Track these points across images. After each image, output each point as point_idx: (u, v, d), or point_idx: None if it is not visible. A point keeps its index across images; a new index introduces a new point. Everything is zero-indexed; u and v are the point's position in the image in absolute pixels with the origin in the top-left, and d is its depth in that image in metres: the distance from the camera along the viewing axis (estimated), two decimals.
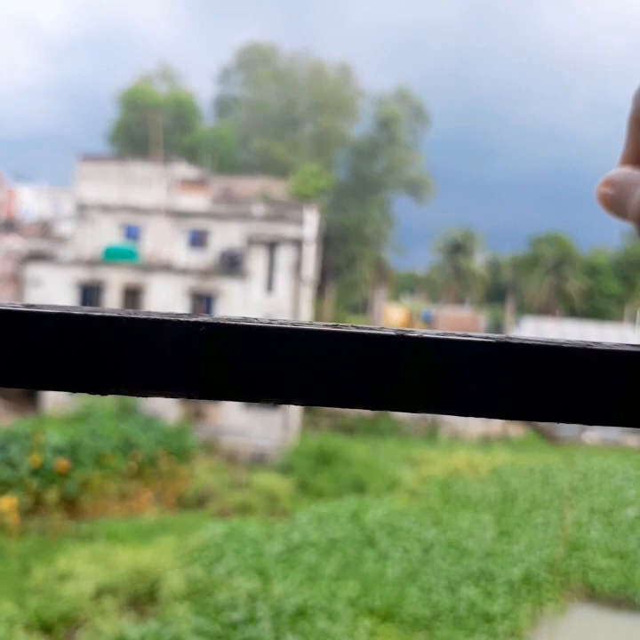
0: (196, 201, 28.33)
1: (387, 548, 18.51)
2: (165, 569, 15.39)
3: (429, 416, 32.04)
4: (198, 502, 20.66)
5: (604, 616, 17.64)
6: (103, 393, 0.47)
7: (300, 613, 14.32)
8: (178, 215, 27.75)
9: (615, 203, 0.51)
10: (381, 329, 0.48)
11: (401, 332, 0.47)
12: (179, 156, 34.70)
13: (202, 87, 57.96)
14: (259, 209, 28.14)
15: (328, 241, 39.32)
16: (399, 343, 0.47)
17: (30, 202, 36.18)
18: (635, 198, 0.48)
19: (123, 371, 0.46)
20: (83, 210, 27.54)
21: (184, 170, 30.71)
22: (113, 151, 52.19)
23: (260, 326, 0.47)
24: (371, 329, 0.47)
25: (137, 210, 27.56)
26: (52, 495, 18.29)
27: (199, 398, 0.48)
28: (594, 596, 18.31)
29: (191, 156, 43.86)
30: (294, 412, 26.23)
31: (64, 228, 31.34)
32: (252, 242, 26.66)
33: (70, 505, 18.86)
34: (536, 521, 21.64)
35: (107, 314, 0.46)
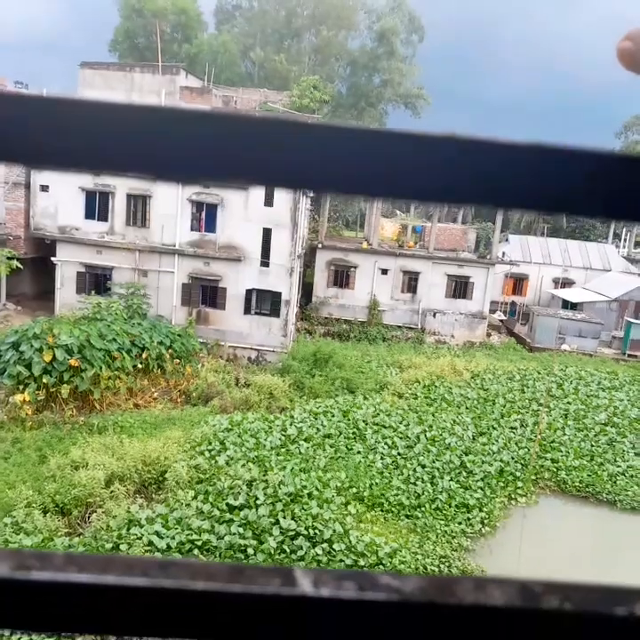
0: None
1: (374, 442, 19.54)
2: (172, 459, 16.22)
3: (419, 323, 32.90)
4: (202, 399, 21.44)
5: (572, 508, 18.96)
6: (161, 179, 0.53)
7: (295, 499, 15.23)
8: None
9: (633, 56, 0.52)
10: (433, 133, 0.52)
11: (452, 133, 0.52)
12: (180, 64, 34.18)
13: None
14: None
15: None
16: (449, 143, 0.52)
17: None
18: None
19: (174, 161, 0.51)
20: None
21: (185, 79, 30.38)
22: (114, 58, 50.96)
23: (309, 125, 0.51)
24: (424, 131, 0.52)
25: None
26: (64, 391, 18.84)
27: (245, 185, 0.53)
28: (563, 491, 19.60)
29: (192, 65, 43.02)
30: (291, 319, 26.89)
31: None
32: None
33: (81, 400, 19.58)
34: (513, 423, 22.68)
35: (153, 106, 0.51)
